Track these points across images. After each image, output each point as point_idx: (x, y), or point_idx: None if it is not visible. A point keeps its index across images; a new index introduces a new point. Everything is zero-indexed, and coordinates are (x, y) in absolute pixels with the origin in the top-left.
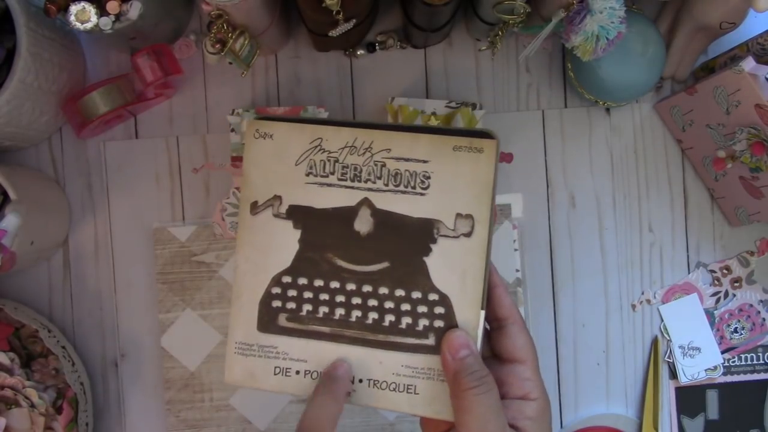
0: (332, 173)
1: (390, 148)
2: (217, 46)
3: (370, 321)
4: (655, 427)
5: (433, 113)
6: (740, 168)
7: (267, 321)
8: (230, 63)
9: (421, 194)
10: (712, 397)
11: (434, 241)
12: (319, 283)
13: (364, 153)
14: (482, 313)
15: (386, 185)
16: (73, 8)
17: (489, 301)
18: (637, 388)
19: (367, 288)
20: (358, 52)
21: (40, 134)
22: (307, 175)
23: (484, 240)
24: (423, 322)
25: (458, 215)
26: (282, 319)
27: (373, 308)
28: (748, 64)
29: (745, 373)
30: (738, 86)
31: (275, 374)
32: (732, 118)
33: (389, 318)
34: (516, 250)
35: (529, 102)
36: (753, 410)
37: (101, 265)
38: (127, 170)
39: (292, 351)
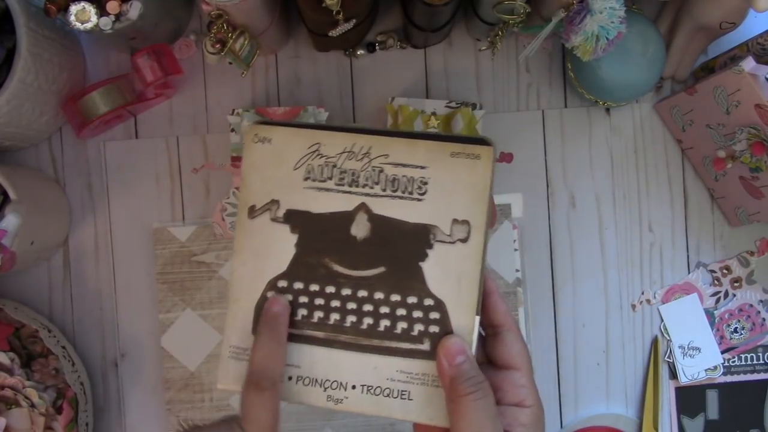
0: (330, 178)
1: (388, 154)
2: (217, 46)
3: (365, 326)
4: (655, 427)
5: (433, 113)
6: (740, 168)
7: None
8: (230, 63)
9: (418, 200)
10: (712, 397)
11: (430, 246)
12: (314, 287)
13: (362, 158)
14: (477, 318)
15: (384, 190)
16: (73, 8)
17: (484, 308)
18: (637, 388)
19: (362, 293)
20: (358, 52)
21: (40, 134)
22: (305, 179)
23: (480, 246)
24: (418, 327)
25: (455, 221)
26: None
27: (368, 313)
28: (748, 64)
29: (745, 373)
30: (738, 86)
31: None
32: (732, 118)
33: (384, 323)
34: (516, 249)
35: (529, 102)
36: (753, 410)
37: (101, 265)
38: (127, 170)
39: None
